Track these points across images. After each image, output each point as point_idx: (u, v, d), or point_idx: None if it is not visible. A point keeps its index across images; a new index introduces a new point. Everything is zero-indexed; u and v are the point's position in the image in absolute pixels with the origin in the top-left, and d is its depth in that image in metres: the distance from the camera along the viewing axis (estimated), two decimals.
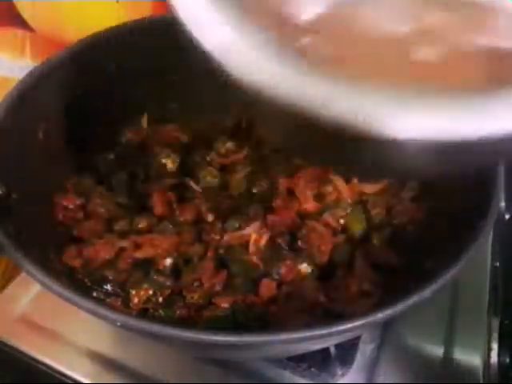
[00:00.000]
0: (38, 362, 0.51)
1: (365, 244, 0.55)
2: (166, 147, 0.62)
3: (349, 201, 0.57)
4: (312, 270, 0.51)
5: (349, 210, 0.56)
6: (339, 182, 0.59)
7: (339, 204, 0.57)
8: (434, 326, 0.54)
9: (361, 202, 0.58)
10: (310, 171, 0.59)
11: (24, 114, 0.50)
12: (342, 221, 0.55)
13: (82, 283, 0.50)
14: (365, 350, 0.52)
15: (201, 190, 0.58)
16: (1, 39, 0.62)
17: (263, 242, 0.53)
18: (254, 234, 0.53)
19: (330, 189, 0.59)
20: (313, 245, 0.53)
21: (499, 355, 0.54)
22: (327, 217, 0.56)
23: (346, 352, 0.51)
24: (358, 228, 0.55)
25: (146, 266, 0.51)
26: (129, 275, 0.50)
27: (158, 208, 0.55)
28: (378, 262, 0.52)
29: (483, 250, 0.60)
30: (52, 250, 0.50)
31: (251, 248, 0.52)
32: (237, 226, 0.54)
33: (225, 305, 0.47)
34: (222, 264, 0.52)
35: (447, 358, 0.52)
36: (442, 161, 0.30)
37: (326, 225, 0.55)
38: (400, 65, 0.29)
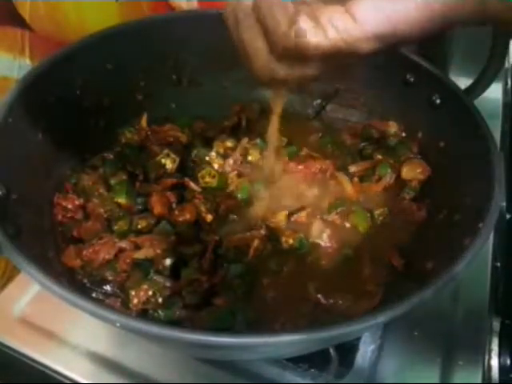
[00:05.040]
0: (37, 362, 0.51)
1: (366, 244, 0.55)
2: (166, 147, 0.62)
3: (353, 199, 0.58)
4: (313, 270, 0.51)
5: (353, 208, 0.56)
6: (344, 178, 0.59)
7: (345, 202, 0.57)
8: (434, 327, 0.54)
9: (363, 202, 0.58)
10: (312, 170, 0.60)
11: (24, 114, 0.50)
12: (347, 219, 0.56)
13: (81, 284, 0.50)
14: (365, 351, 0.52)
15: (200, 190, 0.58)
16: (1, 39, 0.62)
17: (265, 248, 0.53)
18: (257, 241, 0.52)
19: (333, 187, 0.59)
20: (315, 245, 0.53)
21: (499, 356, 0.54)
22: (333, 215, 0.56)
23: (346, 353, 0.51)
24: (363, 226, 0.55)
25: (146, 267, 0.50)
26: (128, 276, 0.50)
27: (158, 208, 0.55)
28: (379, 262, 0.52)
29: (484, 250, 0.60)
30: (52, 250, 0.50)
31: (252, 252, 0.52)
32: (237, 228, 0.54)
33: (224, 305, 0.47)
34: (221, 264, 0.52)
35: (447, 359, 0.52)
36: None
37: (331, 224, 0.55)
38: None
